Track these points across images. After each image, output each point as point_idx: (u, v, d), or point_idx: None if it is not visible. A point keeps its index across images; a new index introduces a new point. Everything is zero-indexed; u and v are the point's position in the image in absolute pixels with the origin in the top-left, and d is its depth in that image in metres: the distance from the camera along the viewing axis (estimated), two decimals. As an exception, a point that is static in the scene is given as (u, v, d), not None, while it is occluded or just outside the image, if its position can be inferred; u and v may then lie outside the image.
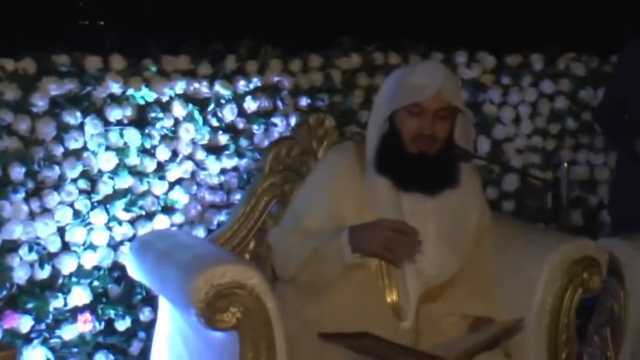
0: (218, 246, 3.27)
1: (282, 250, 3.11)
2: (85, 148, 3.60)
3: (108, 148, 3.64)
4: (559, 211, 3.62)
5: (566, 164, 3.75)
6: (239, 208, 3.39)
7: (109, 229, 3.66)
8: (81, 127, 3.59)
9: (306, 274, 2.99)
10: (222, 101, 3.86)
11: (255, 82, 3.93)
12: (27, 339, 3.53)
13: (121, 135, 3.65)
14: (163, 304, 3.21)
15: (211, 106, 3.84)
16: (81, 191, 3.60)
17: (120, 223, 3.67)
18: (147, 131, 3.71)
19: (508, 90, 4.52)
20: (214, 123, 3.85)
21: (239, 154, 3.89)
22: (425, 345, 2.93)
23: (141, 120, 3.70)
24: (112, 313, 3.67)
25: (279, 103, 3.98)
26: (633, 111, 4.12)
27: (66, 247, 3.58)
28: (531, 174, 4.28)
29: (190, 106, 3.79)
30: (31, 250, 3.51)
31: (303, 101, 4.05)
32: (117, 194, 3.66)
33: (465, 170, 3.12)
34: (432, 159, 2.99)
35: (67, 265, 3.57)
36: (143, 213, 3.72)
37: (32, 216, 3.53)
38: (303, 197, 3.16)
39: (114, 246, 3.67)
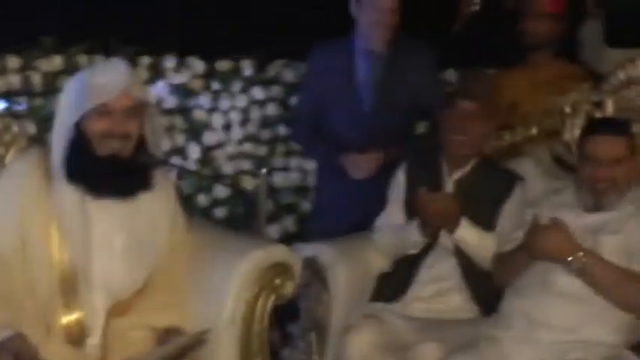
0: None
1: None
2: None
3: None
4: (253, 218, 3.58)
5: (264, 170, 3.72)
6: None
7: None
8: None
9: None
10: None
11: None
12: None
13: None
14: None
15: None
16: None
17: None
18: None
19: (218, 95, 4.46)
20: None
21: None
22: (110, 361, 2.81)
23: None
24: None
25: (-30, 108, 3.75)
26: (327, 118, 4.12)
27: None
28: (227, 181, 4.26)
29: None
30: None
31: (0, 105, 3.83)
32: None
33: (159, 174, 3.01)
34: (124, 160, 2.87)
35: None
36: None
37: None
38: None
39: None
